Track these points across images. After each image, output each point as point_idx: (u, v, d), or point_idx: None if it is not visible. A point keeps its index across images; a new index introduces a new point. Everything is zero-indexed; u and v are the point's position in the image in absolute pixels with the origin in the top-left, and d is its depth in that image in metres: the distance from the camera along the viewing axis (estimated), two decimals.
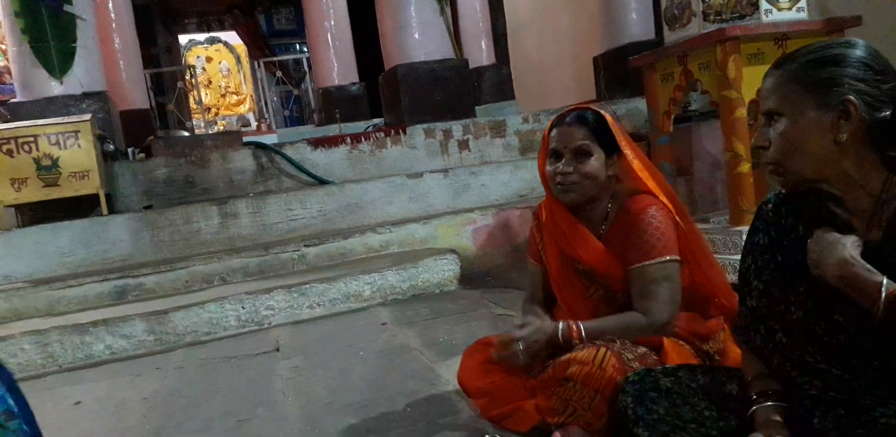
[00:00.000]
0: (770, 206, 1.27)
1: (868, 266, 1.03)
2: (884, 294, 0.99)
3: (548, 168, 1.73)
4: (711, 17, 2.94)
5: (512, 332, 1.61)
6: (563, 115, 1.74)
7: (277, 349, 2.80)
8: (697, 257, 1.72)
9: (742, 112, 2.83)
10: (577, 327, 1.59)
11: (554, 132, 1.72)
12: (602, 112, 1.72)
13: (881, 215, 1.10)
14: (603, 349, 1.48)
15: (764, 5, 2.82)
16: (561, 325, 1.59)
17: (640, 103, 3.82)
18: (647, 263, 1.62)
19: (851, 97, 1.06)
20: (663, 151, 3.32)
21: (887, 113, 1.06)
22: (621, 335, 1.58)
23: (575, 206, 1.74)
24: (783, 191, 1.25)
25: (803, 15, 2.89)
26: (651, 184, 1.71)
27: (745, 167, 2.85)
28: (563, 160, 1.69)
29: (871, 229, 1.12)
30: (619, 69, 5.17)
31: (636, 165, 1.71)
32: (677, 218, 1.68)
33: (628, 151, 1.70)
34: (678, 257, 1.64)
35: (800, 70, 1.12)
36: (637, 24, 5.41)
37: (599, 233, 1.73)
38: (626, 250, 1.66)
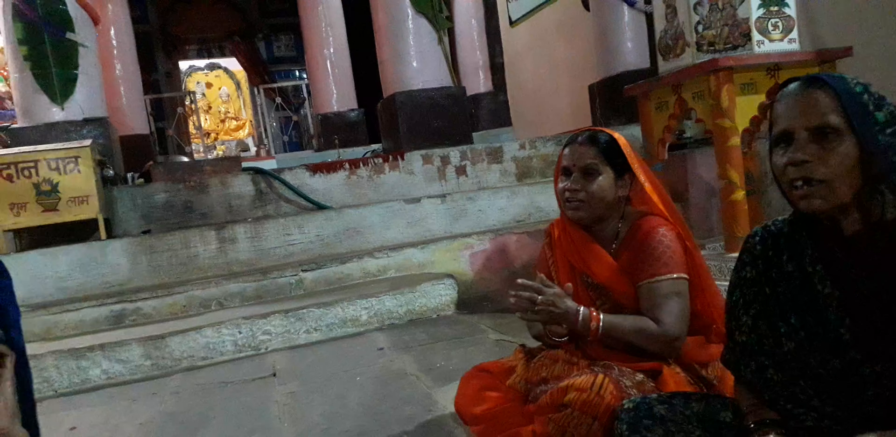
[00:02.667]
0: (756, 239, 1.25)
1: None
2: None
3: (559, 185, 1.78)
4: (704, 48, 3.00)
5: (545, 283, 1.57)
6: (577, 135, 1.79)
7: (274, 375, 2.79)
8: (702, 282, 1.74)
9: (736, 140, 2.88)
10: (598, 313, 1.59)
11: (566, 151, 1.77)
12: (615, 134, 1.76)
13: (874, 239, 1.09)
14: (601, 376, 1.49)
15: (756, 36, 2.88)
16: (583, 307, 1.59)
17: (636, 131, 3.87)
18: (659, 278, 1.64)
19: None
20: (658, 179, 3.35)
21: None
22: (634, 337, 1.59)
23: (584, 224, 1.77)
24: (771, 226, 1.24)
25: (795, 46, 2.95)
26: (661, 207, 1.74)
27: (740, 195, 2.89)
28: (572, 178, 1.73)
29: (864, 253, 1.10)
30: (614, 97, 5.24)
31: (648, 188, 1.75)
32: (686, 241, 1.71)
33: (641, 174, 1.74)
34: (687, 276, 1.66)
35: (861, 92, 1.08)
36: (632, 53, 5.49)
37: (610, 251, 1.76)
38: (637, 266, 1.68)
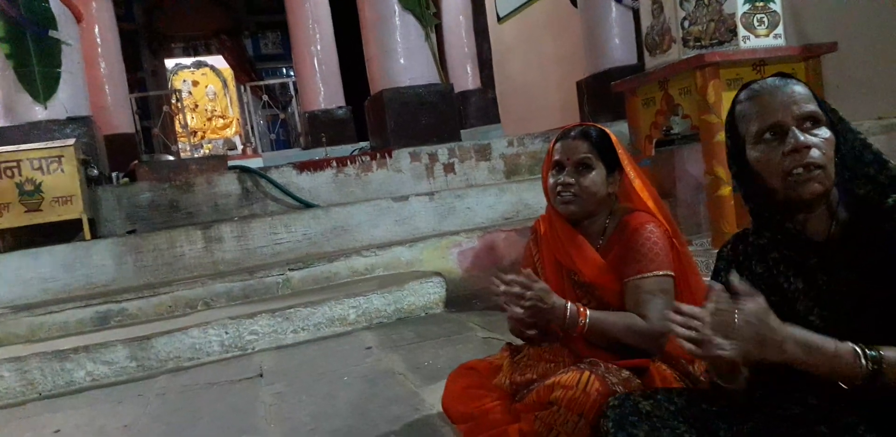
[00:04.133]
0: (728, 246, 1.33)
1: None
2: (864, 363, 0.99)
3: (550, 180, 1.76)
4: (691, 44, 3.00)
5: (531, 278, 1.55)
6: (569, 129, 1.78)
7: (261, 375, 2.77)
8: (689, 278, 1.74)
9: (722, 136, 2.86)
10: (585, 309, 1.58)
11: (558, 145, 1.76)
12: (606, 130, 1.75)
13: (833, 232, 1.15)
14: (587, 373, 1.48)
15: (742, 32, 2.88)
16: (570, 303, 1.59)
17: (623, 127, 3.87)
18: (645, 275, 1.63)
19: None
20: (645, 174, 3.35)
21: None
22: (621, 333, 1.58)
23: (574, 219, 1.76)
24: (741, 233, 1.30)
25: (780, 41, 2.95)
26: (650, 204, 1.73)
27: (726, 190, 2.89)
28: (566, 172, 1.72)
29: (823, 250, 1.15)
30: (602, 93, 5.23)
31: (637, 184, 1.74)
32: (673, 239, 1.70)
33: (630, 170, 1.73)
34: (673, 274, 1.66)
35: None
36: (619, 49, 5.49)
37: (597, 247, 1.75)
38: (624, 263, 1.67)
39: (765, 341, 1.00)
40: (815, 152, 1.11)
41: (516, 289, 1.55)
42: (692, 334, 1.04)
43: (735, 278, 1.05)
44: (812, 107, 1.13)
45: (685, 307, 1.08)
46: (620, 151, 1.73)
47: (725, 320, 1.02)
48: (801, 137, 1.11)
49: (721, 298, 1.04)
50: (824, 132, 1.13)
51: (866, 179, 1.14)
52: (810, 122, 1.13)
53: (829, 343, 1.01)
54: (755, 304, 1.01)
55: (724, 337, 1.01)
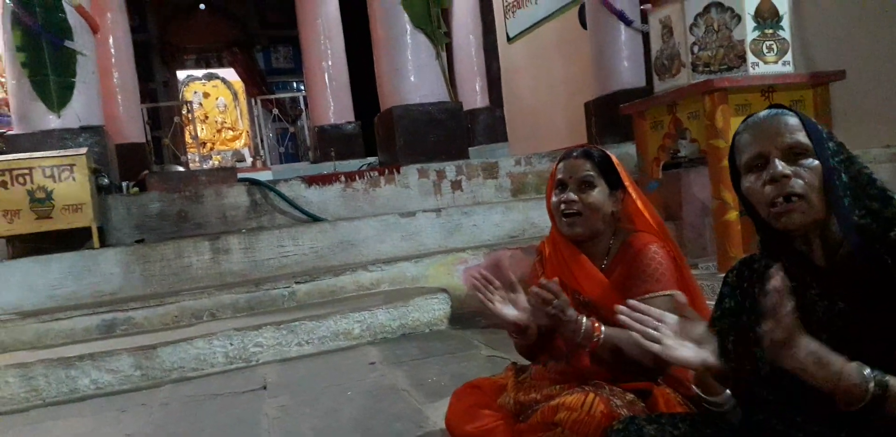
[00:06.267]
0: (734, 273, 1.34)
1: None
2: (870, 386, 0.99)
3: (553, 199, 1.78)
4: (700, 69, 3.03)
5: (555, 287, 1.56)
6: (571, 150, 1.81)
7: (264, 387, 2.78)
8: (691, 298, 1.75)
9: None
10: (599, 324, 1.59)
11: (561, 165, 1.79)
12: (607, 151, 1.78)
13: (834, 260, 1.15)
14: (592, 395, 1.49)
15: (751, 58, 2.91)
16: (585, 318, 1.59)
17: (630, 149, 3.90)
18: (651, 295, 1.64)
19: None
20: (652, 197, 3.37)
21: None
22: (631, 349, 1.59)
23: (578, 239, 1.78)
24: (748, 259, 1.31)
25: (789, 68, 2.98)
26: (652, 223, 1.75)
27: (733, 215, 2.91)
28: (569, 189, 1.74)
29: (823, 280, 1.16)
30: (609, 115, 5.27)
31: (639, 204, 1.76)
32: (676, 258, 1.72)
33: (632, 190, 1.76)
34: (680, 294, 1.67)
35: (816, 123, 1.17)
36: (628, 71, 5.53)
37: (601, 267, 1.76)
38: (629, 283, 1.68)
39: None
40: (795, 182, 1.11)
41: (548, 295, 1.56)
42: (648, 330, 1.21)
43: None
44: (798, 137, 1.13)
45: (638, 305, 1.24)
46: (621, 171, 1.76)
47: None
48: (779, 167, 1.12)
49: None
50: (809, 162, 1.13)
51: (867, 211, 1.14)
52: (794, 152, 1.13)
53: (838, 359, 1.01)
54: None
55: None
